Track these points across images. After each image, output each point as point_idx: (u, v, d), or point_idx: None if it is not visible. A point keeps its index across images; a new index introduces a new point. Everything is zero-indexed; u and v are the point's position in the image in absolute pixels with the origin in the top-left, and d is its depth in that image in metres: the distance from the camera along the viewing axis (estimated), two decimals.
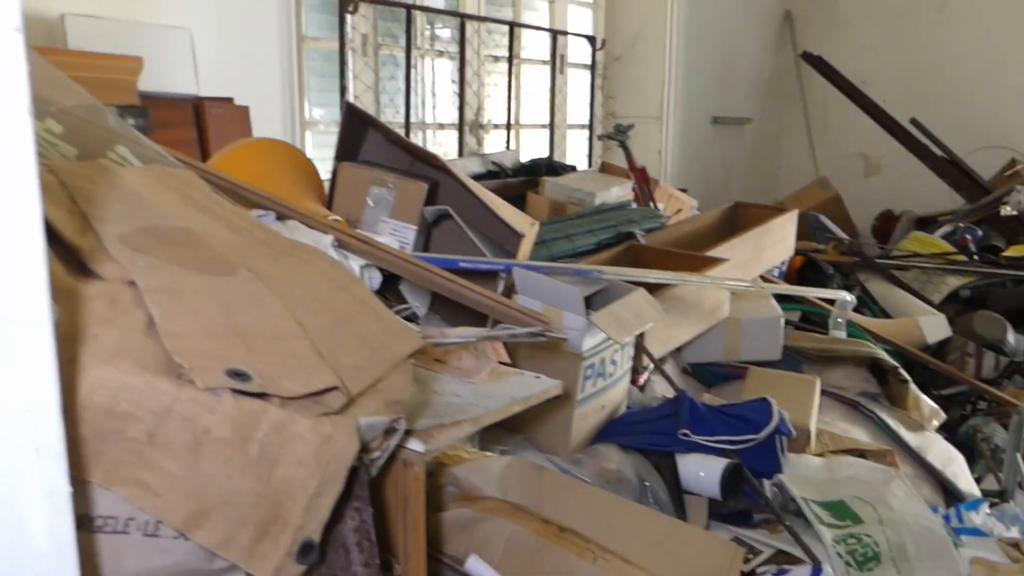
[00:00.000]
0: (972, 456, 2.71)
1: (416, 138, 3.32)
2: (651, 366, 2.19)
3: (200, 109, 2.22)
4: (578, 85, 4.12)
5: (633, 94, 4.24)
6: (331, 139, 2.48)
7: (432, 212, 1.75)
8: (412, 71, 3.13)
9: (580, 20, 4.15)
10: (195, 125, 2.21)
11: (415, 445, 1.01)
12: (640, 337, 2.01)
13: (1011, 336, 3.09)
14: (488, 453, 1.38)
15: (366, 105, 3.05)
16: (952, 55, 4.57)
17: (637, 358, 2.07)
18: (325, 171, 2.14)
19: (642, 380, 2.24)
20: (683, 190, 4.00)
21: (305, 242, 1.25)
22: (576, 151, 4.18)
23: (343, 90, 2.85)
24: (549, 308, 1.69)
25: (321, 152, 2.88)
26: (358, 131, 1.87)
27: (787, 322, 2.61)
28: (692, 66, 4.33)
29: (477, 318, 1.88)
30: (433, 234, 1.87)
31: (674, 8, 4.13)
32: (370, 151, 1.95)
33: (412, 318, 1.55)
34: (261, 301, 0.80)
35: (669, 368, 2.56)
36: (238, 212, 1.03)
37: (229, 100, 2.34)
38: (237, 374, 0.69)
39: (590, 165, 4.12)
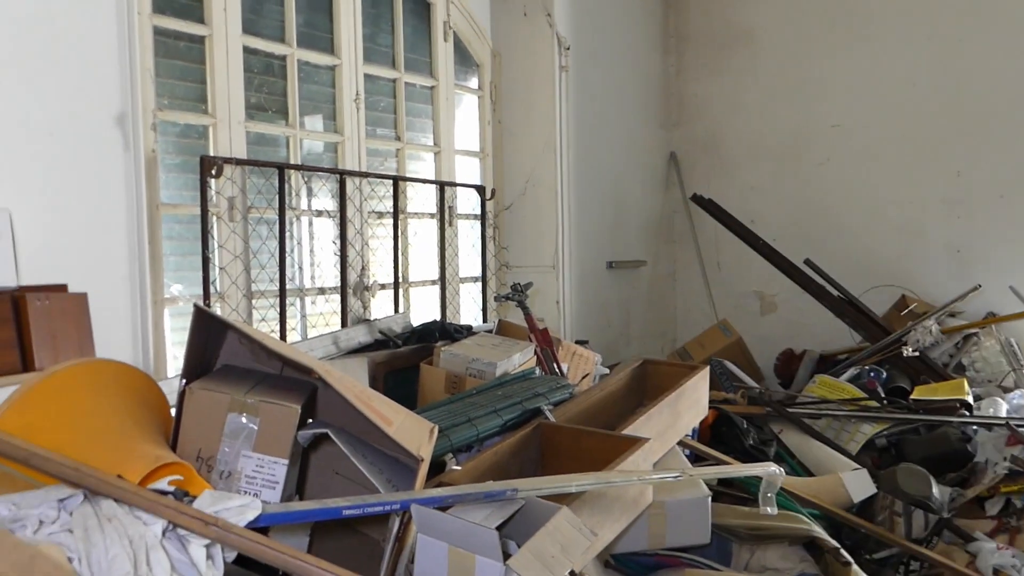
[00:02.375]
0: None
1: (295, 306, 2.99)
2: None
3: (20, 303, 1.83)
4: (468, 237, 3.91)
5: (527, 243, 4.07)
6: None
7: (307, 437, 1.42)
8: (287, 235, 2.83)
9: (468, 170, 3.99)
10: (13, 322, 1.82)
11: None
12: None
13: (936, 490, 2.94)
14: None
15: (234, 275, 2.71)
16: (836, 198, 4.69)
17: None
18: None
19: None
20: (584, 341, 3.80)
21: (117, 541, 0.90)
22: (469, 306, 3.93)
23: (206, 261, 2.51)
24: (457, 551, 1.37)
25: (182, 324, 2.52)
26: (214, 335, 1.54)
27: (708, 487, 2.38)
28: (584, 212, 4.22)
29: (366, 559, 1.53)
30: (312, 458, 1.53)
31: (563, 155, 4.04)
32: (233, 353, 1.61)
33: None
34: None
35: (591, 566, 2.26)
36: None
37: (61, 288, 1.97)
38: None
39: (485, 319, 3.87)
